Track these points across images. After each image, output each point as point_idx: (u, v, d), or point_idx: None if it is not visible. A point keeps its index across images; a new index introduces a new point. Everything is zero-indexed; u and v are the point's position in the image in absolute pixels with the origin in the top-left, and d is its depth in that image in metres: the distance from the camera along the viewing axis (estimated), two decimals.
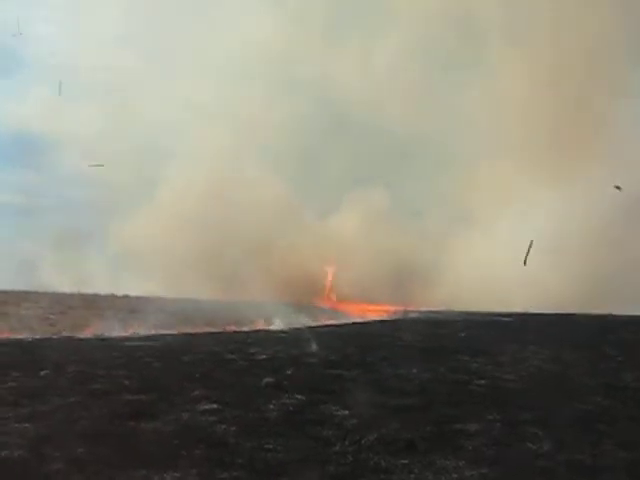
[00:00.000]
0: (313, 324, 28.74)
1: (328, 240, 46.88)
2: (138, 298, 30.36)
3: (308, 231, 47.48)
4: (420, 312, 38.09)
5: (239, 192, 46.32)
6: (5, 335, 19.45)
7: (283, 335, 21.70)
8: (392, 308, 40.00)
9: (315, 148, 51.26)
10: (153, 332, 21.71)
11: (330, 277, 47.36)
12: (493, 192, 48.63)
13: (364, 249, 48.00)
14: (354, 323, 30.45)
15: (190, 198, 44.67)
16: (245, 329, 24.67)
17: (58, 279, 39.18)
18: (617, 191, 34.65)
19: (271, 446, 7.48)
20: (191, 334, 21.63)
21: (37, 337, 19.02)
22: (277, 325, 26.42)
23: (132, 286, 36.28)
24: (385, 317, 35.31)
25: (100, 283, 37.31)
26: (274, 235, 45.60)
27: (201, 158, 46.75)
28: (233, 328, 24.73)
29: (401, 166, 51.67)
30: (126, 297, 32.32)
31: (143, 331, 21.85)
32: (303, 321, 29.08)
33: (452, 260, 47.11)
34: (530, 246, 32.14)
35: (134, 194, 45.26)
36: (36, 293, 34.93)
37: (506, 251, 39.89)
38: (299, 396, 10.01)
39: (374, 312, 38.91)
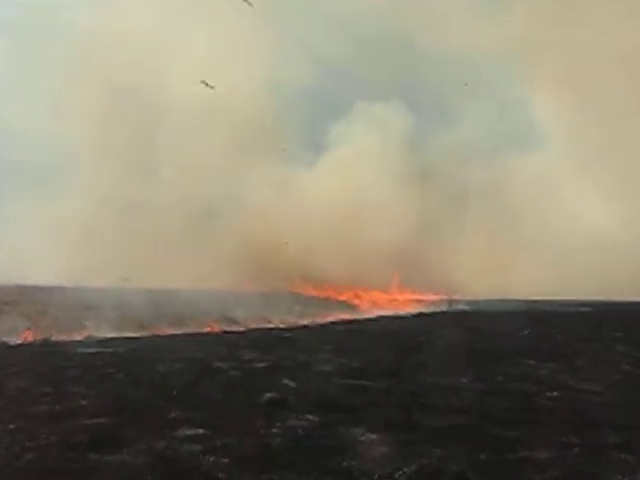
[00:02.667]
0: (323, 320, 28.96)
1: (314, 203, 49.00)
2: (92, 290, 30.50)
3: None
4: (469, 302, 38.25)
5: None
6: None
7: (286, 335, 21.83)
8: (432, 297, 40.34)
9: None
10: (114, 334, 21.91)
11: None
12: None
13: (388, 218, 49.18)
14: (380, 318, 30.59)
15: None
16: (237, 328, 24.89)
17: None
18: None
19: None
20: (165, 336, 21.81)
21: None
22: (277, 322, 26.63)
23: (84, 275, 36.62)
24: (423, 309, 35.55)
25: (42, 271, 37.51)
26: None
27: None
28: (221, 327, 24.96)
29: None
30: (77, 289, 32.49)
31: (101, 333, 22.04)
32: (310, 316, 29.27)
33: None
34: None
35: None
36: None
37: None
38: (310, 416, 10.02)
39: (408, 303, 39.23)
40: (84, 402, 10.93)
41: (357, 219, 49.63)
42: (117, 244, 42.81)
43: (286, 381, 12.55)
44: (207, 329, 24.53)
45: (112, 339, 20.92)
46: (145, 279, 38.32)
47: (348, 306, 37.29)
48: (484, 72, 58.72)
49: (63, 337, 21.01)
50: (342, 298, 41.01)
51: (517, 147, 59.31)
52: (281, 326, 26.16)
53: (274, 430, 9.33)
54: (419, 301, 41.11)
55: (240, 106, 50.40)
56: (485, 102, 59.61)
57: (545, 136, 60.54)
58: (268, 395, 11.15)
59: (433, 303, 39.04)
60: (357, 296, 42.86)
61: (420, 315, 32.09)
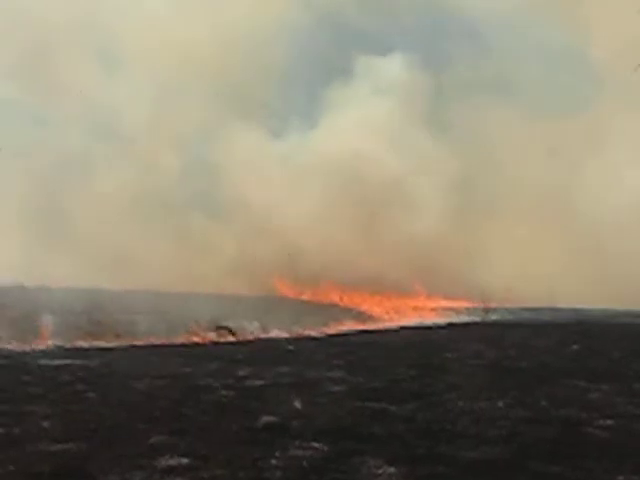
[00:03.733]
0: (333, 330, 29.03)
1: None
2: (59, 291, 30.65)
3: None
4: (508, 311, 38.20)
5: None
6: None
7: (290, 348, 21.88)
8: (463, 305, 40.31)
9: None
10: (84, 343, 21.98)
11: None
12: None
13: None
14: (401, 329, 30.60)
15: None
16: (230, 339, 24.96)
17: None
18: None
19: None
20: (145, 347, 21.87)
21: None
22: (279, 332, 26.70)
23: (48, 273, 36.76)
24: (453, 319, 35.52)
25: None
26: None
27: None
28: (211, 337, 25.05)
29: None
30: (41, 290, 32.58)
31: (68, 342, 22.10)
32: (318, 326, 29.36)
33: None
34: None
35: None
36: None
37: None
38: (317, 445, 9.98)
39: (435, 312, 39.23)
40: (47, 424, 10.91)
41: (369, 208, 49.65)
42: (89, 236, 43.11)
43: (289, 403, 12.53)
44: (195, 339, 24.60)
45: (82, 349, 20.99)
46: (121, 278, 38.62)
47: (362, 314, 37.30)
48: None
49: (22, 346, 21.05)
50: (355, 305, 40.99)
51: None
52: (283, 337, 26.20)
53: (273, 461, 9.27)
54: (448, 309, 41.08)
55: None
56: None
57: None
58: (267, 419, 11.13)
59: (465, 312, 38.92)
60: (373, 302, 42.85)
61: (449, 326, 32.02)
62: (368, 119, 52.78)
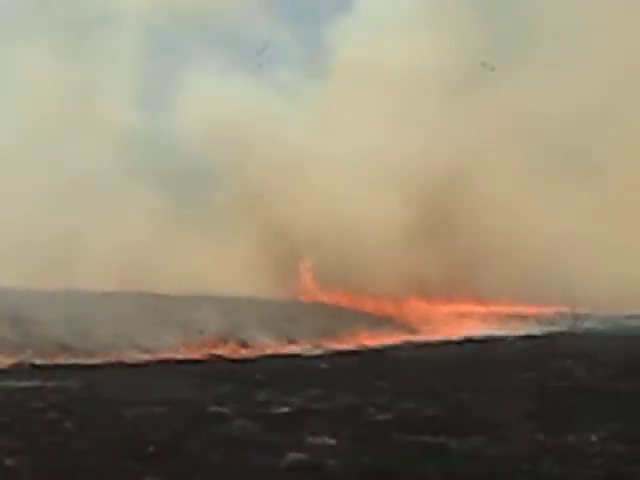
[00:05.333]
0: (374, 343, 29.05)
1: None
2: (32, 294, 30.75)
3: None
4: (604, 319, 37.93)
5: None
6: None
7: (321, 365, 21.92)
8: (546, 311, 40.08)
9: None
10: (59, 360, 22.11)
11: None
12: None
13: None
14: (465, 341, 30.56)
15: None
16: (246, 354, 25.00)
17: None
18: None
19: None
20: (137, 364, 21.98)
21: None
22: (306, 345, 26.75)
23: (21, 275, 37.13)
24: (532, 329, 35.33)
25: None
26: None
27: None
28: (222, 352, 25.10)
29: None
30: (10, 293, 32.74)
31: (40, 358, 22.22)
32: (354, 337, 29.43)
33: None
34: None
35: None
36: None
37: None
38: None
39: (507, 320, 39.10)
40: (14, 463, 10.99)
41: (405, 187, 49.56)
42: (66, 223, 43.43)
43: (320, 435, 12.56)
44: (200, 355, 24.64)
45: (56, 367, 21.09)
46: (105, 278, 38.80)
47: (408, 323, 37.20)
48: None
49: None
50: (397, 312, 40.83)
51: None
52: (312, 352, 26.21)
53: None
54: (524, 317, 40.83)
55: None
56: None
57: None
58: (293, 456, 11.17)
59: (548, 320, 38.69)
60: (419, 308, 42.72)
61: (525, 338, 31.86)
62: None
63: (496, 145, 52.33)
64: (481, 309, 43.59)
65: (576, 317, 37.51)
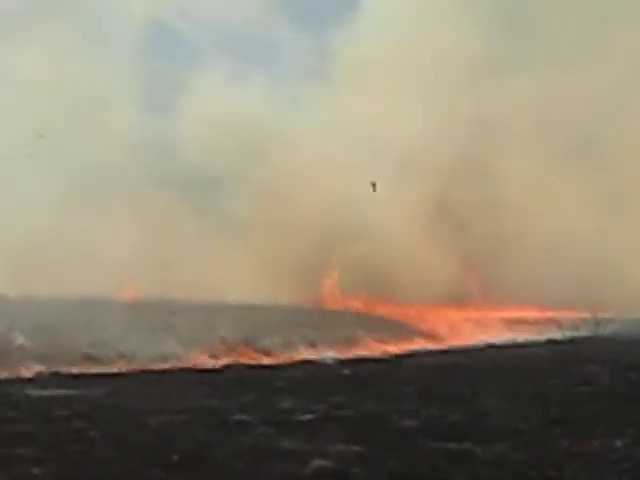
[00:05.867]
0: (399, 349, 29.01)
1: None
2: (48, 303, 30.78)
3: None
4: (628, 322, 37.71)
5: None
6: None
7: (345, 372, 21.91)
8: (567, 316, 39.91)
9: None
10: (82, 369, 22.15)
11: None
12: None
13: None
14: (487, 347, 30.47)
15: None
16: (268, 361, 25.02)
17: None
18: None
19: None
20: (159, 372, 22.04)
21: None
22: (329, 351, 26.72)
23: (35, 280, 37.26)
24: (553, 334, 35.20)
25: None
26: None
27: None
28: (243, 359, 25.12)
29: None
30: (25, 301, 32.80)
31: (62, 367, 22.24)
32: (379, 343, 29.40)
33: None
34: None
35: None
36: None
37: None
38: None
39: (527, 325, 38.98)
40: (39, 471, 10.98)
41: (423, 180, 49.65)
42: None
43: (345, 443, 12.56)
44: (221, 362, 24.63)
45: (79, 376, 21.12)
46: (127, 285, 38.91)
47: (432, 330, 37.12)
48: None
49: (3, 373, 21.28)
50: (420, 318, 40.69)
51: None
52: (335, 357, 26.17)
53: None
54: (547, 322, 40.64)
55: None
56: None
57: None
58: (318, 463, 11.14)
59: (571, 325, 38.54)
60: (441, 315, 42.56)
61: (548, 343, 31.79)
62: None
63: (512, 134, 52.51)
64: (503, 314, 43.44)
65: (599, 322, 37.34)
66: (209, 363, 24.45)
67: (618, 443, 12.66)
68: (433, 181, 50.70)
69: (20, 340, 23.49)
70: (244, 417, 14.79)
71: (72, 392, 17.78)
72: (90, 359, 23.27)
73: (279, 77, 57.83)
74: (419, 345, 31.70)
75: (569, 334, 35.42)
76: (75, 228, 42.47)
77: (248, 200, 50.42)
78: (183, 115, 53.36)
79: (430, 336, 35.08)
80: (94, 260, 41.19)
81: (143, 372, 22.48)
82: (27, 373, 21.57)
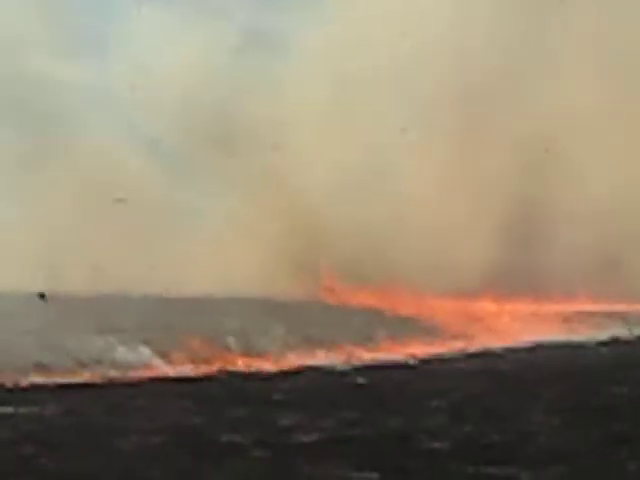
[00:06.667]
0: (421, 353, 29.09)
1: None
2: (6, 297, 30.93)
3: None
4: None
5: None
6: None
7: (358, 381, 21.96)
8: (633, 308, 40.06)
9: None
10: (37, 379, 22.16)
11: None
12: None
13: None
14: (535, 347, 30.56)
15: None
16: (265, 367, 25.06)
17: None
18: None
19: None
20: (130, 383, 22.08)
21: None
22: (340, 356, 26.81)
23: None
24: (618, 331, 35.34)
25: None
26: None
27: None
28: (234, 365, 25.17)
29: None
30: None
31: (9, 377, 22.23)
32: (397, 345, 29.49)
33: None
34: None
35: None
36: None
37: None
38: None
39: (586, 320, 39.11)
40: None
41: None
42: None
43: (360, 469, 12.53)
44: (205, 370, 24.65)
45: (29, 389, 21.15)
46: (94, 277, 39.22)
47: (462, 327, 37.16)
48: None
49: None
50: (452, 313, 40.82)
51: None
52: (346, 363, 26.22)
53: None
54: (609, 316, 40.76)
55: None
56: None
57: None
58: None
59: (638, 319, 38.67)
60: (479, 308, 42.71)
61: (613, 343, 31.86)
62: None
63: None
64: (553, 307, 43.52)
65: (631, 325, 37.52)
66: (190, 370, 24.42)
67: None
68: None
69: None
70: (234, 438, 14.78)
71: (20, 409, 17.76)
72: (42, 368, 23.24)
73: None
74: (449, 347, 31.66)
75: (638, 332, 35.39)
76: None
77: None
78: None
79: (462, 336, 35.11)
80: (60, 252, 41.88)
81: (109, 383, 22.46)
82: None
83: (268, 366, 25.38)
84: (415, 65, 50.85)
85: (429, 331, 34.30)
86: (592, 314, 41.26)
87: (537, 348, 31.04)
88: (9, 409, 17.84)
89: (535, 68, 52.36)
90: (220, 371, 24.39)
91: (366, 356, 27.61)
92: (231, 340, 26.89)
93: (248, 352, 26.42)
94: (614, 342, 32.25)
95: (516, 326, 38.63)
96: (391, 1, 52.46)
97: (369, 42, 51.55)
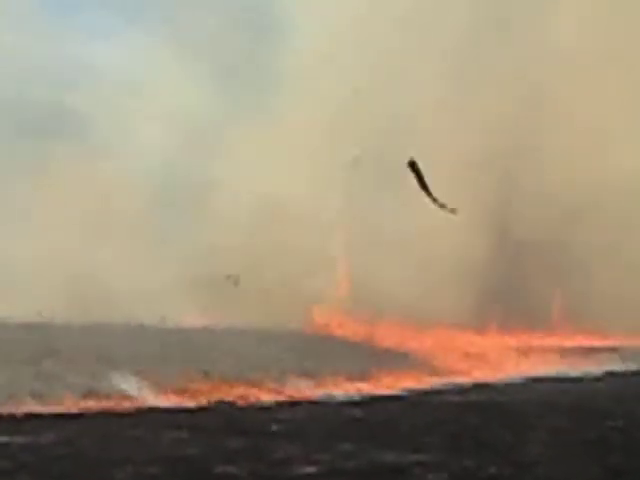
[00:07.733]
0: (417, 386, 29.15)
1: None
2: None
3: None
4: None
5: None
6: None
7: (355, 414, 21.98)
8: (629, 342, 40.19)
9: None
10: (26, 407, 22.12)
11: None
12: None
13: None
14: (531, 381, 30.63)
15: None
16: (260, 398, 25.06)
17: None
18: None
19: None
20: (127, 414, 22.09)
21: None
22: (335, 388, 26.81)
23: None
24: (615, 365, 35.41)
25: None
26: None
27: None
28: (228, 397, 25.15)
29: None
30: None
31: (4, 407, 22.21)
32: (391, 379, 29.56)
33: None
34: None
35: None
36: None
37: None
38: None
39: (583, 355, 39.25)
40: None
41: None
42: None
43: None
44: (201, 400, 24.61)
45: (24, 419, 21.11)
46: (84, 307, 39.16)
47: (458, 361, 37.22)
48: None
49: None
50: (448, 347, 40.87)
51: None
52: (343, 395, 26.17)
53: None
54: (604, 351, 40.88)
55: None
56: None
57: None
58: None
59: (635, 354, 38.75)
60: (475, 342, 42.81)
61: (609, 377, 31.91)
62: None
63: None
64: (549, 341, 43.57)
65: (624, 355, 37.64)
66: (186, 401, 24.39)
67: None
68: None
69: None
70: (229, 469, 14.76)
71: (16, 439, 17.74)
72: (37, 396, 23.21)
73: None
74: (445, 380, 31.67)
75: (634, 366, 35.45)
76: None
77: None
78: None
79: (458, 369, 35.13)
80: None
81: (104, 413, 22.42)
82: None
83: (264, 398, 25.34)
84: None
85: (425, 363, 34.31)
86: (588, 349, 41.37)
87: (533, 382, 31.13)
88: (5, 438, 17.84)
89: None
90: (216, 402, 24.37)
91: (362, 389, 27.60)
92: (226, 372, 26.87)
93: (244, 384, 26.39)
94: (609, 376, 32.32)
95: (513, 359, 38.70)
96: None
97: None
